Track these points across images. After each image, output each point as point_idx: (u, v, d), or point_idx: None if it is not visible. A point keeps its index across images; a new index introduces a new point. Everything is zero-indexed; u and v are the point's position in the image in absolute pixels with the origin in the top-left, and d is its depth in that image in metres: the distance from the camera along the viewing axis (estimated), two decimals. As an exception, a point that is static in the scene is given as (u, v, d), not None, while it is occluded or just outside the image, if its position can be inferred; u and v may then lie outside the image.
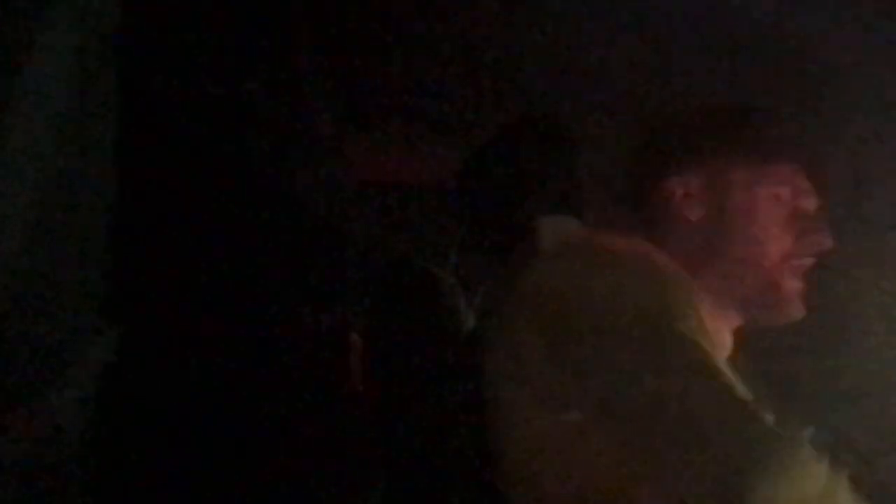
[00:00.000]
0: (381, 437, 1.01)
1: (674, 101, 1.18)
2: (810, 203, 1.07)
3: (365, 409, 0.99)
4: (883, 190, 1.18)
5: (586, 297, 0.92)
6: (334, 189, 1.00)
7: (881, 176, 1.17)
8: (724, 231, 1.06)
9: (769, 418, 0.88)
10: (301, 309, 0.92)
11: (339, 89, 1.10)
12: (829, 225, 1.08)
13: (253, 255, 0.88)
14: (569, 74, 1.20)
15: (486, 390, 0.97)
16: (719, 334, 1.06)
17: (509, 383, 0.95)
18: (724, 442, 0.84)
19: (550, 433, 0.92)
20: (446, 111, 1.35)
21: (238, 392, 0.86)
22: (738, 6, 1.00)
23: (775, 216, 1.06)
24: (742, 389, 0.90)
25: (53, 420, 0.60)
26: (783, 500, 0.83)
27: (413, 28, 1.18)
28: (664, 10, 1.03)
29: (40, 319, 0.58)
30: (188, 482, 0.76)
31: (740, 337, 1.09)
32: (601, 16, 1.07)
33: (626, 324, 0.90)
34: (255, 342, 0.87)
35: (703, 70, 1.12)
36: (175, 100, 0.80)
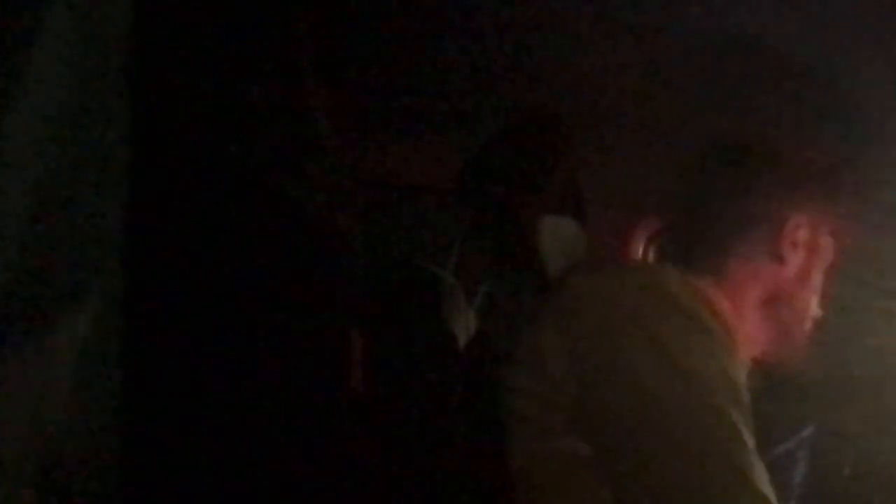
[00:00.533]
0: (380, 437, 1.01)
1: (681, 105, 1.18)
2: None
3: (365, 409, 0.99)
4: (883, 190, 1.18)
5: (637, 350, 0.88)
6: (334, 189, 1.00)
7: (881, 176, 1.17)
8: (802, 289, 1.06)
9: None
10: (300, 309, 0.92)
11: (339, 90, 1.10)
12: None
13: (252, 255, 0.88)
14: (571, 75, 1.20)
15: (500, 398, 0.96)
16: (743, 367, 1.05)
17: (525, 399, 0.94)
18: None
19: (549, 456, 0.91)
20: (446, 111, 1.35)
21: (237, 391, 0.86)
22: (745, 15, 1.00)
23: (820, 278, 1.09)
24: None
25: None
26: None
27: (414, 28, 1.18)
28: (667, 14, 1.03)
29: (36, 320, 0.58)
30: (184, 484, 0.76)
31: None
32: (604, 16, 1.07)
33: (679, 400, 0.86)
34: (254, 342, 0.87)
35: (707, 73, 1.12)
36: (174, 99, 0.80)
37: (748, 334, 1.04)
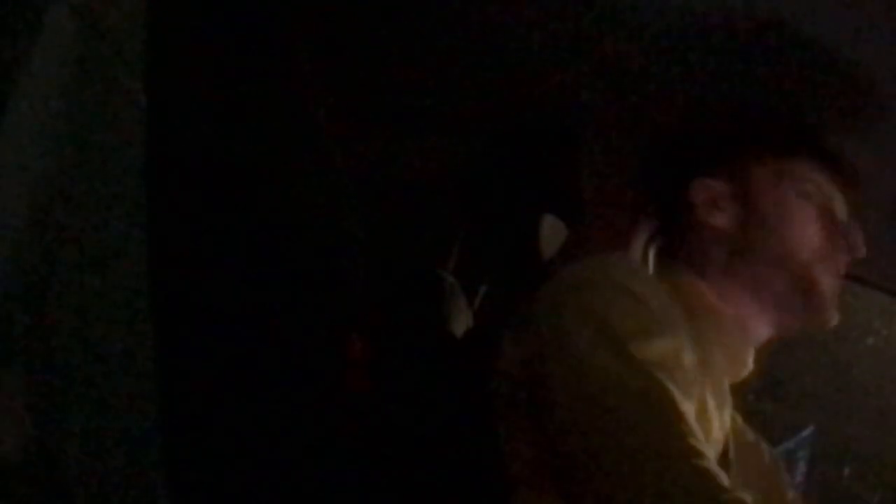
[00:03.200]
0: (380, 437, 1.01)
1: (681, 103, 1.18)
2: (838, 203, 1.04)
3: (364, 409, 0.99)
4: (882, 190, 1.18)
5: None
6: (334, 188, 1.00)
7: (881, 175, 1.17)
8: (753, 235, 1.00)
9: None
10: (300, 308, 0.92)
11: (338, 89, 1.10)
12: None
13: (252, 256, 0.88)
14: (573, 75, 1.20)
15: (489, 396, 0.96)
16: (740, 355, 1.02)
17: (511, 394, 0.94)
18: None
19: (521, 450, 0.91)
20: (446, 111, 1.35)
21: (236, 391, 0.86)
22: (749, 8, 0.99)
23: (804, 213, 1.01)
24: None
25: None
26: None
27: (414, 27, 1.18)
28: (671, 11, 1.03)
29: (38, 319, 0.58)
30: (183, 484, 0.76)
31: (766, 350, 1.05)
32: (605, 16, 1.07)
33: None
34: (253, 342, 0.87)
35: (711, 71, 1.12)
36: (175, 99, 0.80)
37: (741, 312, 1.01)
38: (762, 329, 1.03)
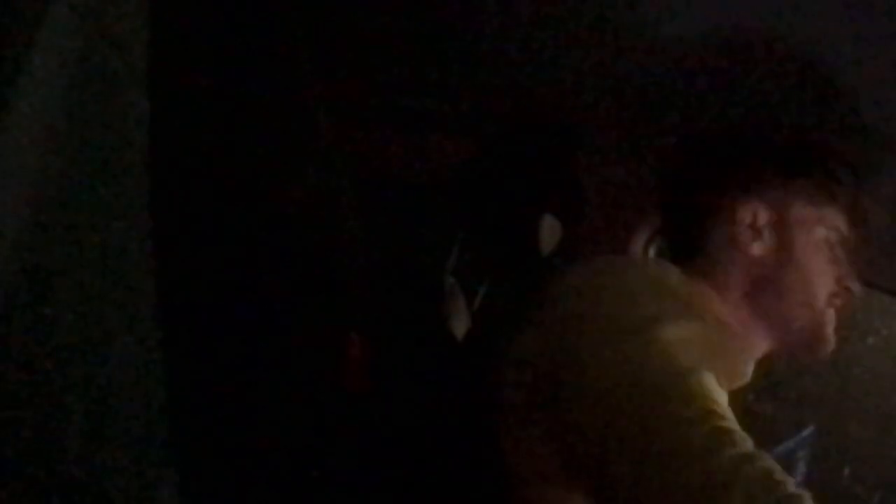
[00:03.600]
0: (379, 437, 1.01)
1: (682, 108, 1.18)
2: (848, 245, 1.07)
3: (364, 409, 0.99)
4: (882, 190, 1.18)
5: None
6: (334, 188, 1.00)
7: (880, 175, 1.17)
8: (782, 272, 1.02)
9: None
10: (300, 308, 0.92)
11: (338, 89, 1.10)
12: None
13: (251, 256, 0.88)
14: (573, 75, 1.20)
15: (496, 396, 0.96)
16: (741, 367, 1.04)
17: (514, 393, 0.94)
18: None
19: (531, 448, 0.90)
20: (446, 111, 1.35)
21: (236, 391, 0.86)
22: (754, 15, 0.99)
23: (827, 259, 1.04)
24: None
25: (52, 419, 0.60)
26: None
27: (414, 28, 1.18)
28: (672, 15, 1.03)
29: (38, 320, 0.58)
30: (183, 485, 0.76)
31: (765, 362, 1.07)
32: (607, 18, 1.07)
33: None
34: (253, 342, 0.87)
35: (713, 77, 1.12)
36: (175, 99, 0.80)
37: (748, 330, 1.03)
38: (763, 348, 1.06)
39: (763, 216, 1.04)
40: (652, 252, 1.57)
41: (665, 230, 1.20)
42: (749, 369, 1.05)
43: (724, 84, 1.12)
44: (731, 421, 0.81)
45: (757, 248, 1.03)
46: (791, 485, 0.74)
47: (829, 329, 1.05)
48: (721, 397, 0.84)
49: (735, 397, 1.06)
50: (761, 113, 1.14)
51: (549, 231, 1.23)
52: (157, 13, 0.70)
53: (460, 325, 1.30)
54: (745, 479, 0.73)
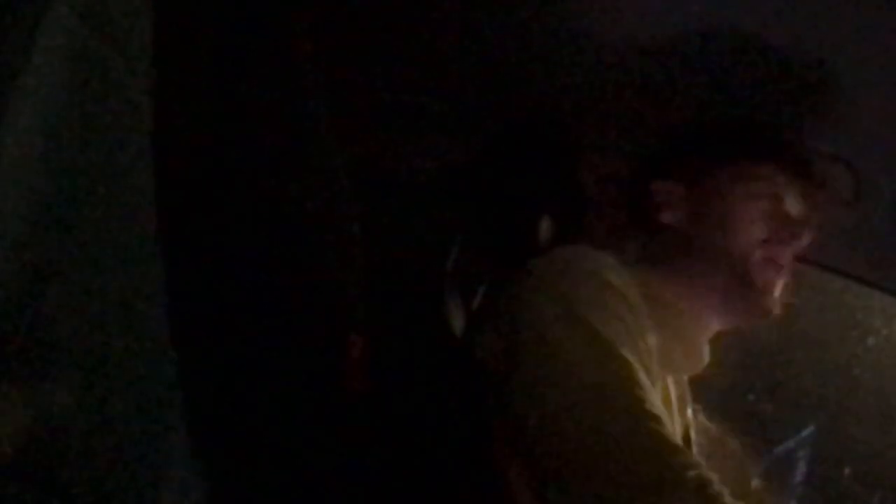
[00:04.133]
0: (379, 437, 1.01)
1: (675, 107, 1.18)
2: (793, 203, 1.07)
3: (364, 409, 0.99)
4: (882, 191, 1.18)
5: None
6: (334, 188, 1.00)
7: (878, 176, 1.17)
8: (695, 232, 1.06)
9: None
10: (300, 308, 0.93)
11: (338, 89, 1.10)
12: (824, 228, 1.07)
13: (251, 256, 0.88)
14: (573, 75, 1.20)
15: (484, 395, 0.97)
16: (696, 347, 1.06)
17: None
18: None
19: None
20: (446, 111, 1.35)
21: (236, 392, 0.86)
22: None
23: (748, 211, 1.06)
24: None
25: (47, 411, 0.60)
26: None
27: (414, 28, 1.18)
28: (667, 18, 1.03)
29: (38, 321, 0.58)
30: (182, 485, 0.76)
31: (717, 345, 1.09)
32: (607, 17, 1.07)
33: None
34: (252, 342, 0.87)
35: (706, 78, 1.12)
36: (175, 99, 0.80)
37: (693, 306, 1.04)
38: (712, 322, 1.07)
39: (675, 189, 1.09)
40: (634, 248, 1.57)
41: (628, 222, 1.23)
42: (705, 351, 1.07)
43: (724, 82, 1.12)
44: (661, 415, 0.84)
45: (670, 217, 1.07)
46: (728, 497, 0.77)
47: (763, 281, 1.04)
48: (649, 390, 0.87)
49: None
50: (759, 109, 1.14)
51: (549, 231, 1.24)
52: (159, 12, 0.70)
53: (460, 326, 1.30)
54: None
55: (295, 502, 0.91)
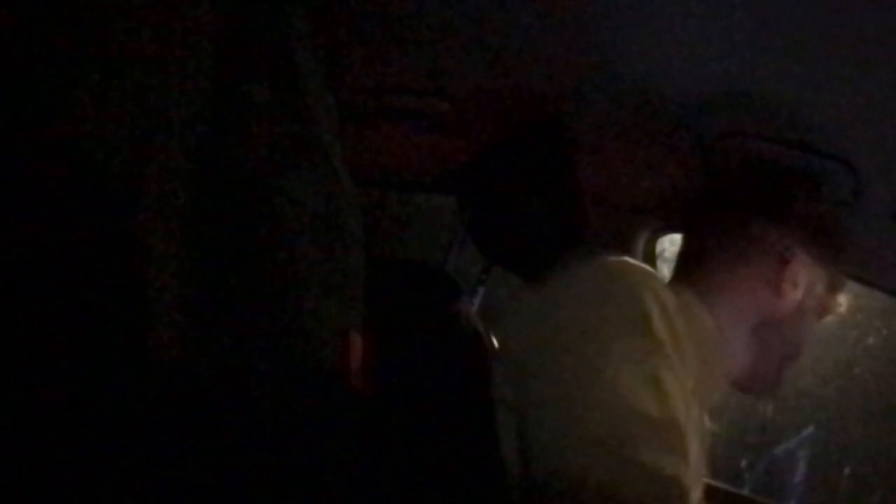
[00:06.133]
0: (379, 437, 1.01)
1: (681, 104, 1.18)
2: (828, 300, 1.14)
3: (364, 409, 0.99)
4: (879, 191, 1.18)
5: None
6: (334, 189, 1.00)
7: (876, 178, 1.17)
8: (791, 324, 1.10)
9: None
10: (300, 308, 0.93)
11: (338, 89, 1.10)
12: None
13: (250, 256, 0.88)
14: (573, 76, 1.20)
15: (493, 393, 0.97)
16: (718, 385, 1.09)
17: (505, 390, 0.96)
18: None
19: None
20: (446, 111, 1.35)
21: (236, 391, 0.86)
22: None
23: (812, 317, 1.14)
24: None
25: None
26: None
27: (414, 27, 1.18)
28: (668, 14, 1.03)
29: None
30: (178, 484, 0.76)
31: None
32: (607, 17, 1.07)
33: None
34: (252, 342, 0.87)
35: (704, 76, 1.12)
36: (173, 96, 0.80)
37: (732, 352, 1.06)
38: (732, 373, 1.10)
39: (805, 276, 1.11)
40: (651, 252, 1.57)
41: (683, 234, 1.22)
42: (721, 388, 1.10)
43: (725, 85, 1.12)
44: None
45: (789, 300, 1.09)
46: None
47: (782, 378, 1.12)
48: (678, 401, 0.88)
49: (735, 398, 1.08)
50: (764, 117, 1.14)
51: (549, 231, 1.24)
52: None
53: (460, 326, 1.30)
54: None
55: (296, 502, 0.91)
